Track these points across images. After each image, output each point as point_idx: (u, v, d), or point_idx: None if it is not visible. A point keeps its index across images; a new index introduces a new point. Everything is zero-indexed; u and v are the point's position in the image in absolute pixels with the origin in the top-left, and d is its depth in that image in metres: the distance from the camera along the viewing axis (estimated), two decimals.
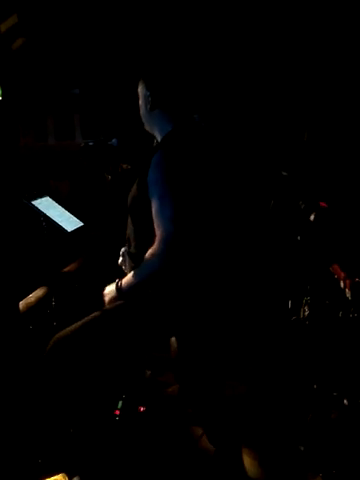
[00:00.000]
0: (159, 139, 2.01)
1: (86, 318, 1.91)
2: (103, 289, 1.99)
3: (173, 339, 2.16)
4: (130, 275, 1.88)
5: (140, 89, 2.01)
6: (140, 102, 2.02)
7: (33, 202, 2.42)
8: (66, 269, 2.90)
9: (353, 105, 3.04)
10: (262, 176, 3.06)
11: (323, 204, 2.44)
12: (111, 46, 3.70)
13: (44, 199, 2.49)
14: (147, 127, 2.06)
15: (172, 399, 2.36)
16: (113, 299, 1.92)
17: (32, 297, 2.67)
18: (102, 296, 1.97)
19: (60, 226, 2.41)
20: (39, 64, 3.84)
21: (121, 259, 2.07)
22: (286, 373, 2.67)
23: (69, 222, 2.46)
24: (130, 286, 1.87)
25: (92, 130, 3.73)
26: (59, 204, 2.55)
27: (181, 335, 2.06)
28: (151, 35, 3.36)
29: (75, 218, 2.53)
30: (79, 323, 1.89)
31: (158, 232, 1.81)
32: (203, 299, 2.02)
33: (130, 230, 2.02)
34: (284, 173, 2.88)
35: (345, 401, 2.38)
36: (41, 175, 4.05)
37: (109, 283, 1.97)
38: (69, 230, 2.41)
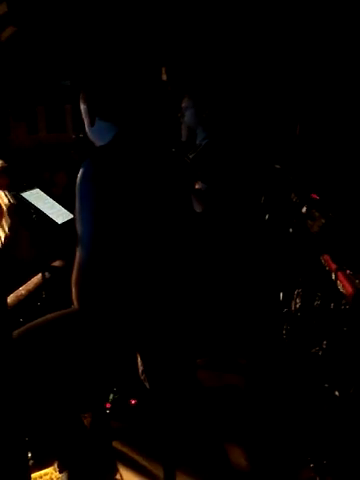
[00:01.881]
0: None
1: (55, 313, 1.84)
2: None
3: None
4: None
5: (81, 105, 1.85)
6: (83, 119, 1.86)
7: (23, 194, 2.39)
8: (57, 262, 2.88)
9: (345, 98, 3.03)
10: (255, 169, 3.06)
11: (314, 196, 2.44)
12: (103, 36, 3.66)
13: (34, 191, 2.46)
14: (94, 142, 1.88)
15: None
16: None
17: (22, 290, 2.65)
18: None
19: (50, 218, 2.38)
20: (29, 55, 3.79)
21: None
22: (278, 365, 2.67)
23: (60, 214, 2.43)
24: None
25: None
26: (52, 197, 2.51)
27: (142, 350, 1.91)
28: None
29: (66, 210, 2.50)
30: (49, 316, 1.83)
31: (76, 254, 1.62)
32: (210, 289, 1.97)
33: None
34: (277, 166, 2.88)
35: (336, 392, 2.39)
36: (33, 168, 4.02)
37: None
38: (59, 222, 2.38)
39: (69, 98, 4.33)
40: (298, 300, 2.55)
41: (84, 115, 1.84)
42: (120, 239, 1.67)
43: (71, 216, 2.55)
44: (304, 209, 2.52)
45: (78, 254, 1.61)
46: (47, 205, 2.43)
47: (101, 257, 1.61)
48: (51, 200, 2.49)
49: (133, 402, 2.45)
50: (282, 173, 2.92)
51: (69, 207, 2.59)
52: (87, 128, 1.86)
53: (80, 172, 1.59)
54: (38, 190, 2.50)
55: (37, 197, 2.44)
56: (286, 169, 2.89)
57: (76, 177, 1.60)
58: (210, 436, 2.04)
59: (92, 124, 1.81)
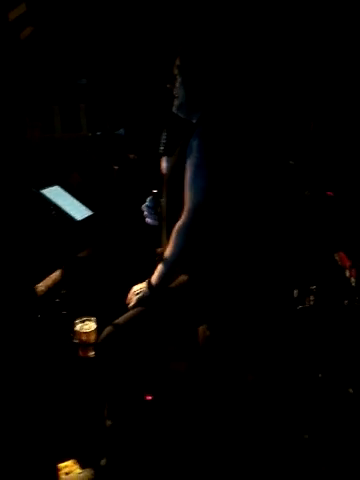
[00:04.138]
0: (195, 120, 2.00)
1: (132, 312, 1.93)
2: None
3: (201, 327, 2.17)
4: (159, 267, 1.90)
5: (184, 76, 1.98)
6: (181, 91, 1.98)
7: (42, 191, 2.44)
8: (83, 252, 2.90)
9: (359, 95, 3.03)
10: (271, 165, 3.07)
11: (330, 193, 2.45)
12: (118, 35, 3.69)
13: (54, 188, 2.51)
14: (188, 113, 2.02)
15: (180, 388, 2.38)
16: (145, 297, 1.94)
17: (42, 286, 2.70)
18: (129, 294, 1.99)
19: (69, 215, 2.43)
20: (46, 54, 3.84)
21: (147, 202, 2.10)
22: (292, 362, 2.68)
23: (79, 211, 2.48)
24: (162, 276, 1.88)
25: (99, 120, 3.74)
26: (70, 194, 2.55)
27: (214, 321, 2.08)
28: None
29: (85, 207, 2.54)
30: (127, 316, 1.92)
31: (187, 202, 1.81)
32: (235, 282, 2.02)
33: (166, 201, 2.02)
34: (291, 162, 2.89)
35: (350, 390, 2.40)
36: (51, 166, 4.06)
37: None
38: (78, 219, 2.43)
39: (85, 97, 4.36)
40: (312, 297, 2.57)
41: (188, 83, 1.95)
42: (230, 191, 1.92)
43: (90, 213, 2.60)
44: (318, 205, 2.54)
45: (191, 199, 1.79)
46: (66, 202, 2.47)
47: (215, 202, 1.81)
48: (70, 197, 2.54)
49: (149, 398, 2.47)
50: (296, 169, 2.93)
51: (87, 204, 2.65)
52: (188, 94, 1.97)
53: (199, 130, 1.83)
54: (57, 187, 2.54)
55: (57, 194, 2.49)
56: (300, 165, 2.91)
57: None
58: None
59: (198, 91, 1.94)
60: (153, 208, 2.10)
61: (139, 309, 1.93)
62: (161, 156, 2.30)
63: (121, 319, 1.93)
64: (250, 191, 2.85)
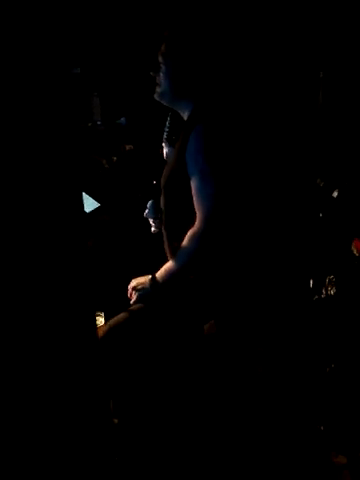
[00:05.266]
0: (185, 115, 1.93)
1: (132, 309, 1.86)
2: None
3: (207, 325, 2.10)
4: (168, 265, 1.83)
5: (168, 64, 1.90)
6: (165, 78, 1.91)
7: None
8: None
9: None
10: (277, 157, 3.00)
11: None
12: (116, 23, 3.58)
13: None
14: (171, 102, 1.96)
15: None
16: (146, 293, 1.85)
17: None
18: (128, 289, 1.93)
19: None
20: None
21: (147, 211, 2.06)
22: (307, 354, 2.63)
23: (86, 203, 2.38)
24: (169, 275, 1.81)
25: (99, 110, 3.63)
26: None
27: (221, 317, 2.01)
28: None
29: (92, 199, 2.44)
30: (126, 314, 1.85)
31: (199, 211, 1.76)
32: (242, 279, 1.97)
33: (164, 208, 1.95)
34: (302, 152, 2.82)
35: None
36: None
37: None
38: (87, 211, 2.33)
39: (79, 87, 4.25)
40: (330, 287, 2.50)
41: (173, 72, 1.89)
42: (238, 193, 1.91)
43: (97, 205, 2.51)
44: (335, 193, 2.47)
45: (203, 207, 1.75)
46: None
47: (226, 207, 1.79)
48: None
49: None
50: (308, 158, 2.87)
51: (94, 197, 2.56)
52: (172, 84, 1.90)
53: (196, 132, 1.77)
54: None
55: None
56: (311, 154, 2.84)
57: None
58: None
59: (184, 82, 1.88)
60: (155, 214, 2.04)
61: (140, 306, 1.85)
62: (163, 143, 2.22)
63: (120, 317, 1.85)
64: (259, 185, 2.78)
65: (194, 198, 1.77)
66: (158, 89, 1.93)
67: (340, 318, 2.47)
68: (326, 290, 2.54)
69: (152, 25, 3.35)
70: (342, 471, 2.18)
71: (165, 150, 2.20)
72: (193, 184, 1.76)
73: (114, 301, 2.38)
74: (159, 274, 1.84)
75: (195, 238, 1.75)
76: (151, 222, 2.09)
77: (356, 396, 2.32)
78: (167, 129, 2.17)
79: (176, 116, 2.17)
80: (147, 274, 1.88)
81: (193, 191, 1.77)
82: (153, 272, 1.85)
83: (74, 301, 1.26)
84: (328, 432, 2.26)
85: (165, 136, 2.18)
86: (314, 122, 2.99)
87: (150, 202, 2.07)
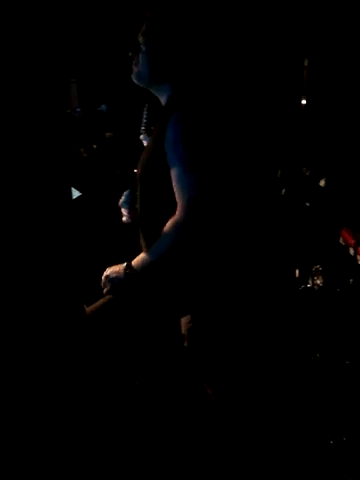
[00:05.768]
0: (163, 99, 1.87)
1: (103, 300, 1.79)
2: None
3: (184, 319, 2.06)
4: (145, 254, 1.75)
5: (148, 45, 1.84)
6: (144, 59, 1.84)
7: None
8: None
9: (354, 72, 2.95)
10: (266, 144, 2.96)
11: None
12: (93, 5, 3.47)
13: None
14: (149, 85, 1.88)
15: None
16: (120, 283, 1.78)
17: None
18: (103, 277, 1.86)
19: None
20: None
21: (122, 200, 2.01)
22: (293, 343, 2.63)
23: None
24: (145, 264, 1.74)
25: (80, 96, 3.53)
26: None
27: (199, 309, 1.97)
28: None
29: (73, 188, 2.37)
30: (97, 305, 1.78)
31: (181, 200, 1.69)
32: (222, 269, 1.93)
33: (139, 199, 1.88)
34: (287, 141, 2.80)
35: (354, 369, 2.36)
36: None
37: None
38: None
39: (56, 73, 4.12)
40: (316, 277, 2.49)
41: (152, 56, 1.82)
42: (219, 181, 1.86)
43: (79, 194, 2.45)
44: (322, 183, 2.45)
45: (185, 196, 1.69)
46: None
47: (207, 195, 1.73)
48: None
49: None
50: (292, 146, 2.84)
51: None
52: (152, 69, 1.83)
53: (174, 119, 1.70)
54: None
55: None
56: (297, 143, 2.81)
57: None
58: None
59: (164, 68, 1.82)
60: (130, 204, 1.99)
61: (112, 297, 1.79)
62: (141, 134, 2.17)
63: (92, 307, 1.79)
64: (240, 174, 2.75)
65: (175, 187, 1.71)
66: (135, 69, 1.86)
67: (326, 307, 2.47)
68: (312, 280, 2.54)
69: (132, 7, 3.27)
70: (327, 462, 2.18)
71: (144, 140, 2.14)
72: (173, 173, 1.70)
73: (91, 291, 2.33)
74: (135, 263, 1.76)
75: (176, 227, 1.69)
76: (124, 212, 2.04)
77: (342, 385, 2.33)
78: (145, 120, 2.12)
79: (153, 106, 2.11)
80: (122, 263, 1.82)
81: (174, 180, 1.71)
82: (129, 261, 1.79)
83: (63, 290, 1.23)
84: (312, 421, 2.26)
85: (143, 127, 2.13)
86: (298, 110, 2.97)
87: (126, 191, 2.01)
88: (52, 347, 1.15)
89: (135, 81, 1.88)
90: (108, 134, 3.64)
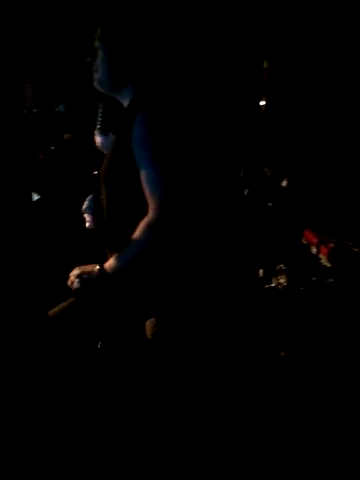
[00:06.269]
0: (125, 102, 1.84)
1: (69, 300, 1.74)
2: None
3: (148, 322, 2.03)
4: (117, 257, 1.71)
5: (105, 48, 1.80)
6: (103, 65, 1.81)
7: None
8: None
9: (312, 70, 3.00)
10: (228, 144, 2.97)
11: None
12: (47, 4, 3.40)
13: None
14: (112, 90, 1.85)
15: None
16: (91, 283, 1.74)
17: None
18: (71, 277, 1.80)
19: None
20: None
21: (85, 206, 1.98)
22: (258, 342, 2.64)
23: None
24: (118, 267, 1.70)
25: (37, 97, 3.44)
26: None
27: (165, 311, 1.94)
28: None
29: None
30: (64, 305, 1.72)
31: (152, 199, 1.65)
32: (187, 270, 1.91)
33: (106, 202, 1.84)
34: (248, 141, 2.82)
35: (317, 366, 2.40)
36: None
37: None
38: None
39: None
40: (281, 276, 2.51)
41: (111, 59, 1.77)
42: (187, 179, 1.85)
43: (37, 197, 2.39)
44: (284, 183, 2.48)
45: (156, 195, 1.65)
46: None
47: (178, 193, 1.70)
48: None
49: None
50: (255, 148, 2.86)
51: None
52: (111, 71, 1.78)
53: (141, 117, 1.66)
54: None
55: None
56: (258, 144, 2.83)
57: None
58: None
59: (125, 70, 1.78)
60: (94, 210, 1.95)
61: (78, 297, 1.75)
62: (96, 132, 2.14)
63: (57, 309, 1.74)
64: (203, 174, 2.74)
65: (145, 187, 1.67)
66: (96, 76, 1.82)
67: (291, 306, 2.49)
68: (276, 279, 2.55)
69: (87, 5, 3.22)
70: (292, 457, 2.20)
71: (98, 140, 2.10)
72: (143, 172, 1.66)
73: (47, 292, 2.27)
74: (108, 265, 1.72)
75: (149, 228, 1.64)
76: (87, 217, 1.99)
77: (309, 382, 2.36)
78: (100, 118, 2.08)
79: (109, 104, 2.08)
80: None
81: (143, 180, 1.67)
82: (101, 262, 1.74)
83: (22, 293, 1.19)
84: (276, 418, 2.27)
85: (98, 125, 2.09)
86: (259, 110, 2.99)
87: (90, 197, 1.97)
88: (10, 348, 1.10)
89: (98, 88, 1.84)
90: (66, 135, 3.56)
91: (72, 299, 1.75)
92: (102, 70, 1.78)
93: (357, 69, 2.98)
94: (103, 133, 2.10)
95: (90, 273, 1.71)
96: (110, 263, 1.70)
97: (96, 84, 1.82)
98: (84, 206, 1.98)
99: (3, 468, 1.11)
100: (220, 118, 3.06)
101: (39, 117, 3.23)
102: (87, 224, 2.00)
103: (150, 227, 1.64)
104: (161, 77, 2.02)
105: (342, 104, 2.94)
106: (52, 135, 3.38)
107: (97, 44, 1.77)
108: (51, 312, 1.72)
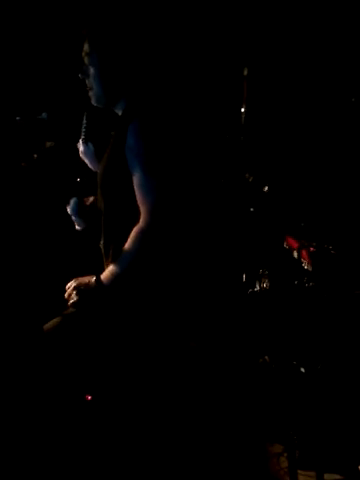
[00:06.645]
0: (120, 112, 1.87)
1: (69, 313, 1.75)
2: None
3: None
4: (112, 267, 1.72)
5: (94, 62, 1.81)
6: (95, 79, 1.83)
7: None
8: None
9: (294, 76, 3.05)
10: (210, 151, 3.01)
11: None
12: (31, 13, 3.41)
13: None
14: (109, 104, 1.88)
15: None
16: (89, 295, 1.75)
17: None
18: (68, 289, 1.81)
19: None
20: None
21: (70, 206, 2.00)
22: (242, 346, 2.67)
23: None
24: (114, 277, 1.71)
25: (19, 104, 3.44)
26: None
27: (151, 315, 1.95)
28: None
29: None
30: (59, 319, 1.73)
31: (144, 206, 1.68)
32: (171, 276, 1.93)
33: (104, 209, 1.86)
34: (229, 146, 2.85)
35: (302, 369, 2.43)
36: None
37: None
38: None
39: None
40: (264, 280, 2.55)
41: (104, 69, 1.81)
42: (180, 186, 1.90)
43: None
44: (265, 188, 2.52)
45: (148, 201, 1.68)
46: None
47: (170, 200, 1.75)
48: None
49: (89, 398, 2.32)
50: (234, 153, 2.90)
51: None
52: (105, 83, 1.83)
53: (135, 125, 1.70)
54: None
55: None
56: (239, 151, 2.87)
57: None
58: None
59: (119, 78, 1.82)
60: (78, 212, 1.98)
61: (77, 309, 1.76)
62: (80, 141, 2.15)
63: (54, 322, 1.75)
64: (192, 180, 2.77)
65: (137, 193, 1.70)
66: (91, 93, 1.85)
67: (274, 310, 2.53)
68: (259, 283, 2.59)
69: (71, 12, 3.24)
70: (278, 458, 2.23)
71: (81, 149, 2.12)
72: (136, 178, 1.69)
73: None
74: (104, 276, 1.72)
75: (141, 236, 1.67)
76: (74, 219, 2.02)
77: (290, 385, 2.38)
78: (84, 128, 2.09)
79: (93, 114, 2.10)
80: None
81: (136, 186, 1.70)
82: (97, 274, 1.75)
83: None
84: (262, 421, 2.30)
85: (83, 135, 2.10)
86: (239, 117, 3.04)
87: (73, 199, 1.99)
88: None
89: (96, 105, 1.88)
90: (49, 143, 3.56)
91: (64, 314, 1.76)
92: (96, 87, 1.81)
93: (337, 75, 3.05)
94: (86, 143, 2.12)
95: (87, 285, 1.72)
96: (106, 274, 1.72)
97: (93, 101, 1.86)
98: (69, 209, 1.99)
99: (3, 468, 1.12)
100: (201, 125, 3.10)
101: (22, 125, 3.23)
102: (77, 226, 2.02)
103: (142, 234, 1.66)
104: (150, 86, 2.05)
105: (322, 110, 2.99)
106: (35, 143, 3.38)
107: (87, 60, 1.80)
108: (45, 327, 1.73)
